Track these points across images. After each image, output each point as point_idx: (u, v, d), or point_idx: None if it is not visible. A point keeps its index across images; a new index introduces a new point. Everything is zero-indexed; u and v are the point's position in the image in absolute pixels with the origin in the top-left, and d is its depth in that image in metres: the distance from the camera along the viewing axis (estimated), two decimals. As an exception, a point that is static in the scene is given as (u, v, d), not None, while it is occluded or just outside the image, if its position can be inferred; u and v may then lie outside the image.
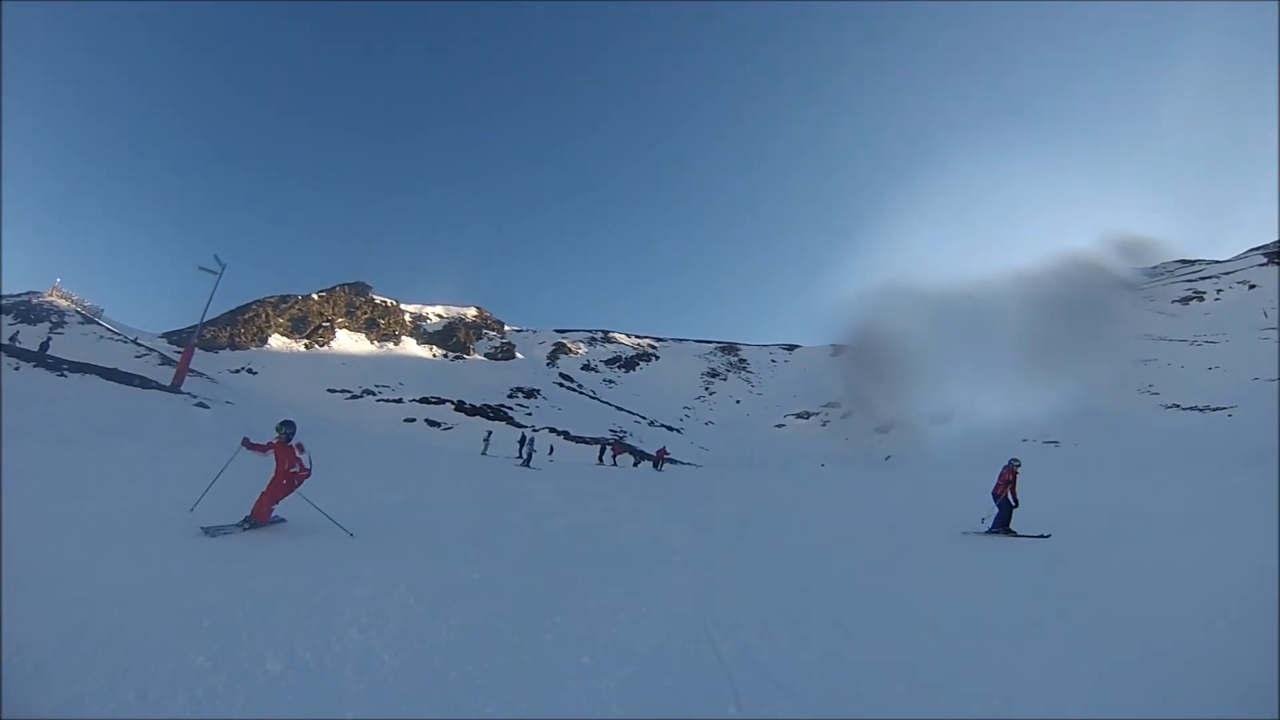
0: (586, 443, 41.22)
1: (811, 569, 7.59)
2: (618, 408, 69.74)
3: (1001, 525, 11.10)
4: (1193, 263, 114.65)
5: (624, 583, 6.17)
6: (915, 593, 6.63)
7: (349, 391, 56.66)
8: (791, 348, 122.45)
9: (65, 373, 20.72)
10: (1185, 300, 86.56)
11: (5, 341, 26.32)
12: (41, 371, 20.20)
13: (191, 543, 6.06)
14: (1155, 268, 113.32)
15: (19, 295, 61.89)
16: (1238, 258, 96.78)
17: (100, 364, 25.65)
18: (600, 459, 33.79)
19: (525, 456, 26.03)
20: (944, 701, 3.90)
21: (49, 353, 26.12)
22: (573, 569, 6.66)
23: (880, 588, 6.74)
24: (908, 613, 5.81)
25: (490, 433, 35.79)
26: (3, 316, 45.63)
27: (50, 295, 62.69)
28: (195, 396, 23.41)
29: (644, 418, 65.45)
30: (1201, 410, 44.00)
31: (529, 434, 26.74)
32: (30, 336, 37.77)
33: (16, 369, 19.71)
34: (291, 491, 7.13)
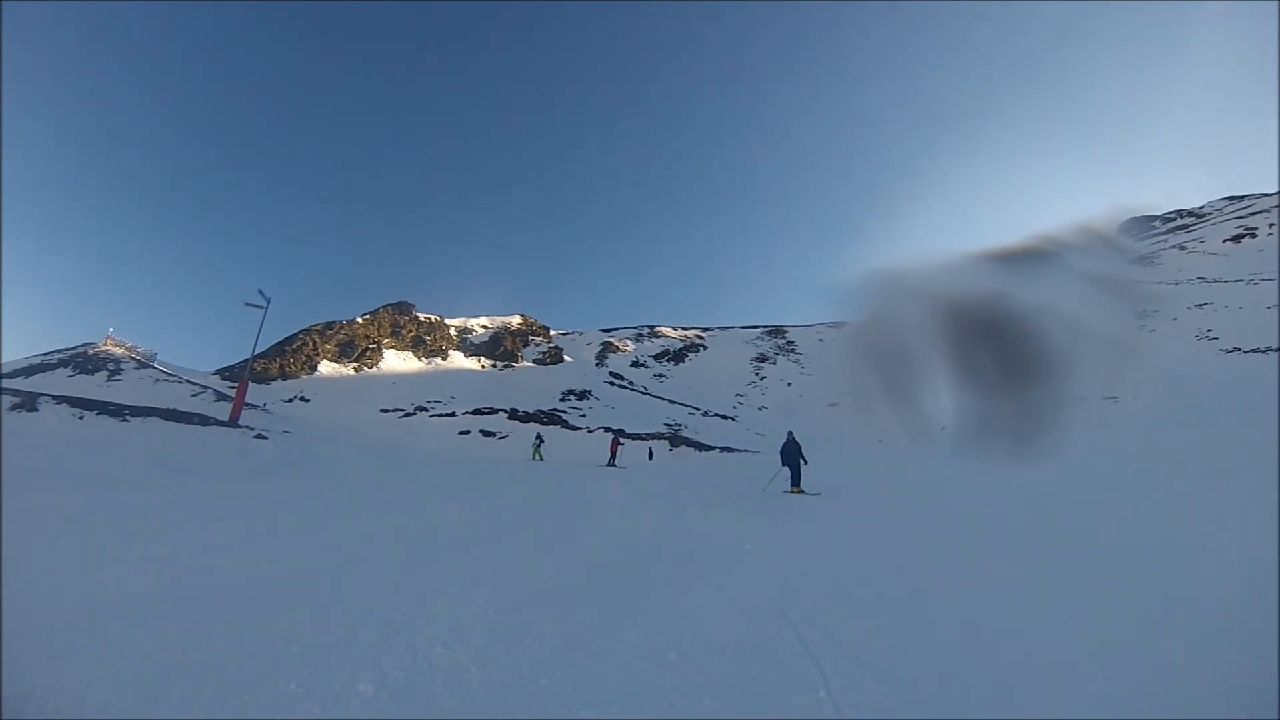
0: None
1: (884, 548, 7.44)
2: (670, 401, 69.51)
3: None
4: (1241, 198, 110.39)
5: (700, 576, 6.10)
6: (1005, 564, 6.45)
7: (402, 410, 57.50)
8: (838, 325, 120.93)
9: (128, 417, 21.36)
10: (1237, 238, 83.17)
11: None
12: (105, 419, 20.82)
13: (268, 572, 6.18)
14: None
15: (75, 347, 64.17)
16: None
17: (159, 406, 26.43)
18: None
19: None
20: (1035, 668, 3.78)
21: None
22: (647, 566, 6.60)
23: (965, 563, 6.56)
24: (1000, 585, 5.65)
25: (541, 438, 35.27)
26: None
27: (105, 345, 64.93)
28: (254, 429, 23.95)
29: (697, 409, 65.21)
30: (1265, 352, 42.10)
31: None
32: (89, 386, 39.15)
33: (81, 418, 20.37)
34: None
